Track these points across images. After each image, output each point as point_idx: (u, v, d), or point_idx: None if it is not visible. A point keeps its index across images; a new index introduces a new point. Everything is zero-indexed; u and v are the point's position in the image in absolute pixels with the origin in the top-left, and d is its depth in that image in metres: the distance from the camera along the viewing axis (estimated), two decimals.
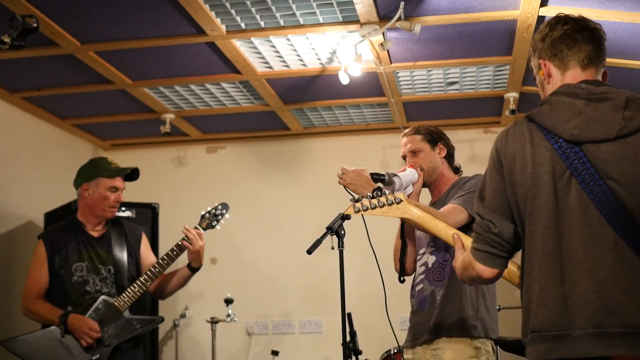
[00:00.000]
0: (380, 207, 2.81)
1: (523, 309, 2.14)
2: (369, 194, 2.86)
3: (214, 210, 4.25)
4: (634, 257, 2.01)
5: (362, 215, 3.18)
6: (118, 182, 4.15)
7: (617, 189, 2.02)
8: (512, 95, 5.42)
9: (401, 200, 2.79)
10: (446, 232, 2.67)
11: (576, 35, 2.21)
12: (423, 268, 3.46)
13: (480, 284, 2.76)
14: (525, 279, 2.14)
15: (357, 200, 2.85)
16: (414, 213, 2.79)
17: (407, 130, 3.63)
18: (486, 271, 2.23)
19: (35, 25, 2.27)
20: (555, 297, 2.04)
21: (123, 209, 5.41)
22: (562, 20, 2.25)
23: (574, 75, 2.21)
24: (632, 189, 2.02)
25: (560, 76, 2.23)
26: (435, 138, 3.59)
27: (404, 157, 3.60)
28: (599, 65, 2.23)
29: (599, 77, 2.23)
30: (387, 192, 2.82)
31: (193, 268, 4.16)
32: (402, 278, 3.54)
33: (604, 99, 2.10)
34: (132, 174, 4.24)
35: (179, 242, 4.07)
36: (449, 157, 3.63)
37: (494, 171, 2.22)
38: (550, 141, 2.10)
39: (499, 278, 2.28)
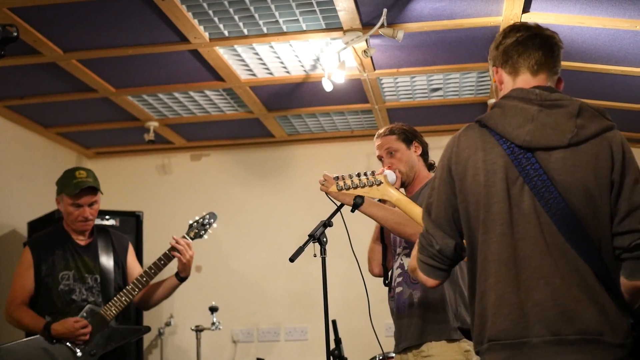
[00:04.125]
0: (362, 187, 2.95)
1: (476, 317, 2.12)
2: (350, 173, 2.98)
3: (201, 220, 4.20)
4: (583, 265, 2.01)
5: (344, 221, 3.21)
6: (79, 198, 4.01)
7: (568, 196, 2.02)
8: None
9: (381, 182, 2.90)
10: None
11: (527, 42, 2.21)
12: (400, 270, 3.43)
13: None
14: (479, 287, 2.12)
15: (340, 179, 2.98)
16: (393, 195, 2.88)
17: (380, 131, 3.60)
18: (429, 281, 2.27)
19: (15, 34, 2.25)
20: (512, 305, 2.02)
21: (107, 217, 5.38)
22: (516, 28, 2.26)
23: (525, 80, 2.21)
24: (583, 197, 2.02)
25: (512, 82, 2.23)
26: (409, 137, 3.55)
27: (380, 158, 3.58)
28: (551, 72, 2.22)
29: (551, 84, 2.22)
30: (368, 173, 2.94)
31: (182, 277, 4.11)
32: (387, 282, 3.53)
33: (557, 105, 2.10)
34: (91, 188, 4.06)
35: (167, 252, 4.04)
36: (424, 155, 3.61)
37: (441, 181, 2.22)
38: (503, 146, 2.09)
39: (441, 284, 2.32)
